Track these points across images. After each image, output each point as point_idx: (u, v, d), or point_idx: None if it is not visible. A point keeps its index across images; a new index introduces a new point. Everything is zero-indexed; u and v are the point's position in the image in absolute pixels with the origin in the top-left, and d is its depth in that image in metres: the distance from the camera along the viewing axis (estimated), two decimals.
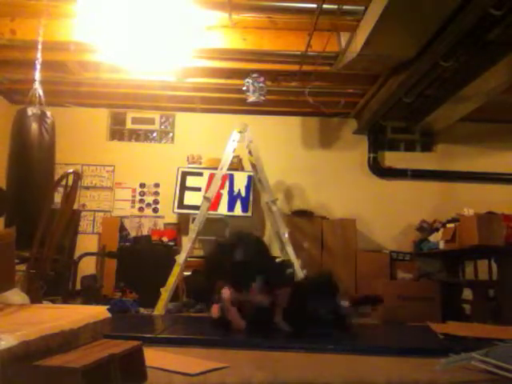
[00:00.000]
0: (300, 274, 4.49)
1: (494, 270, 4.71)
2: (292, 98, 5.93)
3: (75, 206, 4.37)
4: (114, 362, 1.60)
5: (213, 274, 3.94)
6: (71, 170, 3.71)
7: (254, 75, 5.09)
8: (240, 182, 5.94)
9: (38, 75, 4.10)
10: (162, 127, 6.85)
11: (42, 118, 3.90)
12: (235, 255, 3.70)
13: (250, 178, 5.87)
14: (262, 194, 5.26)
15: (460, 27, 3.74)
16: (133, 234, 6.23)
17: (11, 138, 3.94)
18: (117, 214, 6.37)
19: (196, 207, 5.25)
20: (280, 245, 4.94)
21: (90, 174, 6.43)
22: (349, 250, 5.77)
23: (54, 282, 3.82)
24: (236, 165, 5.90)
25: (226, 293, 3.51)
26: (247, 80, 5.12)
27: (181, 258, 4.70)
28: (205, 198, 4.95)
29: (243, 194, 5.92)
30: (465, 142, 6.47)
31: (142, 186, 6.48)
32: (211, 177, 5.47)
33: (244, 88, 5.16)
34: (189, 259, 4.86)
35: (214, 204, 5.53)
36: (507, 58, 4.20)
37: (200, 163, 6.22)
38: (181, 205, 5.91)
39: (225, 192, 5.87)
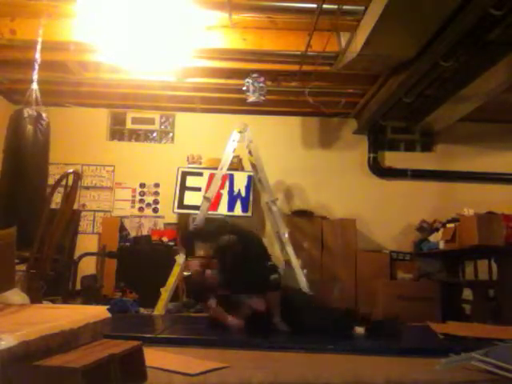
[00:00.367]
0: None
1: (494, 270, 4.71)
2: (292, 98, 5.93)
3: (75, 206, 4.37)
4: (113, 362, 1.60)
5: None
6: (71, 170, 3.71)
7: (254, 75, 5.09)
8: (240, 182, 5.94)
9: (35, 75, 4.09)
10: (162, 127, 6.85)
11: (37, 119, 3.91)
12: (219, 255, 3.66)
13: (249, 178, 5.86)
14: (262, 194, 5.26)
15: (460, 27, 3.74)
16: (133, 234, 6.23)
17: (6, 138, 3.95)
18: (117, 214, 6.37)
19: (196, 207, 5.26)
20: (280, 245, 4.95)
21: (90, 174, 6.43)
22: (349, 250, 5.77)
23: (54, 282, 3.82)
24: (236, 165, 5.89)
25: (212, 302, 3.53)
26: (247, 80, 5.12)
27: (181, 258, 4.70)
28: (205, 197, 4.96)
29: (243, 194, 5.91)
30: (465, 141, 6.46)
31: (142, 186, 6.48)
32: (211, 177, 5.47)
33: (244, 88, 5.15)
34: (189, 259, 4.86)
35: (214, 204, 5.54)
36: (507, 57, 4.20)
37: (200, 163, 6.22)
38: (181, 205, 5.90)
39: (225, 192, 5.86)
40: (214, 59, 4.90)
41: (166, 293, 4.55)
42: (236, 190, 5.92)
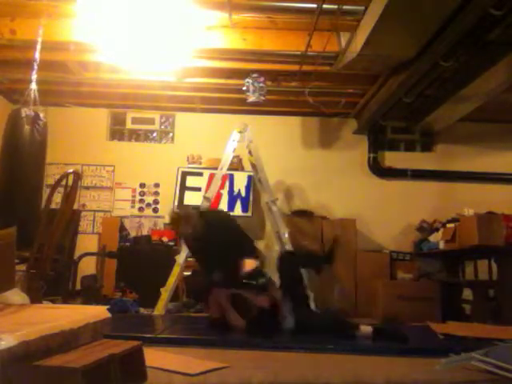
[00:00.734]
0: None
1: (494, 270, 4.71)
2: (292, 98, 5.93)
3: (75, 206, 4.38)
4: (113, 362, 1.60)
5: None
6: (71, 170, 3.72)
7: (254, 75, 5.09)
8: (240, 181, 5.94)
9: (34, 75, 4.09)
10: (162, 127, 6.85)
11: (34, 119, 3.92)
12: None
13: (249, 178, 5.86)
14: (262, 194, 5.26)
15: (460, 27, 3.74)
16: (133, 234, 6.23)
17: (3, 138, 3.96)
18: (117, 214, 6.37)
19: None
20: (280, 245, 4.95)
21: (90, 174, 6.43)
22: (349, 250, 5.76)
23: (54, 282, 3.83)
24: (236, 165, 5.89)
25: (221, 293, 3.48)
26: (247, 80, 5.12)
27: (181, 258, 4.70)
28: (205, 197, 4.96)
29: (243, 194, 5.91)
30: (465, 141, 6.46)
31: (142, 186, 6.48)
32: (211, 177, 5.47)
33: (244, 88, 5.16)
34: (189, 259, 4.86)
35: (214, 204, 5.53)
36: (507, 57, 4.20)
37: (200, 163, 6.22)
38: (181, 205, 5.90)
39: (225, 192, 5.86)
40: (214, 59, 4.90)
41: (165, 293, 4.55)
42: (236, 189, 5.93)
